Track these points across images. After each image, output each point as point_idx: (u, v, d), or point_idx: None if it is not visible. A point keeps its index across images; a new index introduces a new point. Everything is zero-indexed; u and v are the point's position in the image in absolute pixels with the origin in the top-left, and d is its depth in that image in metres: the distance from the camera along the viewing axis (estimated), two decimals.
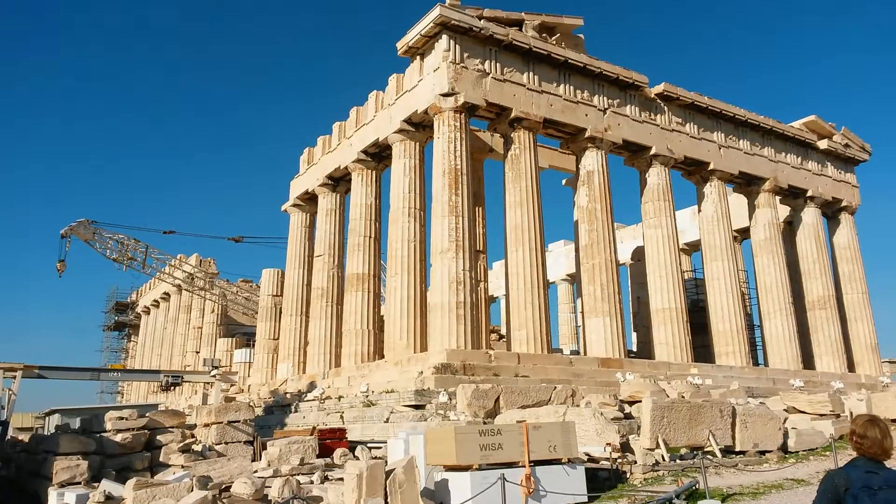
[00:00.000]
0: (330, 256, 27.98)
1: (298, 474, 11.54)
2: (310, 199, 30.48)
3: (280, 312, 31.39)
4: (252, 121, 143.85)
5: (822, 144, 31.65)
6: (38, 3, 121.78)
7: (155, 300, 51.80)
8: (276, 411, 22.98)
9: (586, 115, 24.23)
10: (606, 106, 24.86)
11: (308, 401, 21.84)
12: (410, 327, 21.70)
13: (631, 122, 25.45)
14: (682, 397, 15.92)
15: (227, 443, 14.59)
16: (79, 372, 25.40)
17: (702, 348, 27.29)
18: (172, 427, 14.65)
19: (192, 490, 9.88)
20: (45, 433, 23.58)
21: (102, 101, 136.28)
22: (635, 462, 12.37)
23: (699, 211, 28.32)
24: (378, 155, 26.05)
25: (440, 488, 9.85)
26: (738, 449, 14.13)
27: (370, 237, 25.64)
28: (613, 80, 24.96)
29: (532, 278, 21.44)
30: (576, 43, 24.86)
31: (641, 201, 26.39)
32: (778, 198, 30.23)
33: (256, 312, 37.39)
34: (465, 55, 21.81)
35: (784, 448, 14.75)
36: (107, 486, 11.04)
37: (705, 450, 13.40)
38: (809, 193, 30.79)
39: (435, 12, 21.07)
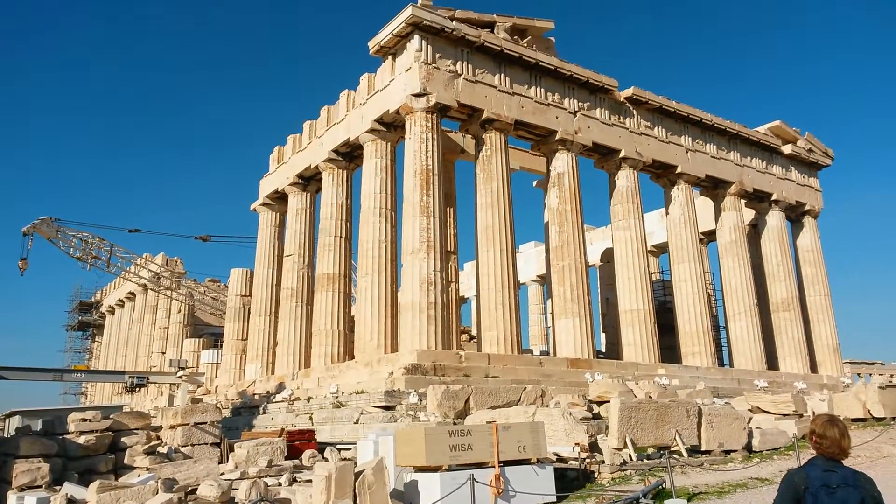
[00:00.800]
0: (300, 256, 27.75)
1: (266, 476, 11.42)
2: (280, 199, 30.21)
3: (249, 313, 31.04)
4: (221, 119, 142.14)
5: (787, 149, 32.33)
6: None
7: (120, 300, 50.87)
8: (244, 413, 22.72)
9: (557, 118, 24.41)
10: (577, 108, 25.09)
11: (277, 402, 21.64)
12: (381, 328, 21.63)
13: (601, 125, 25.71)
14: (650, 397, 16.12)
15: (193, 445, 14.39)
16: (41, 372, 24.77)
17: (669, 349, 27.67)
18: (137, 429, 14.39)
19: (157, 493, 9.73)
20: (5, 435, 22.97)
21: (67, 98, 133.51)
22: (603, 462, 12.49)
23: (667, 213, 28.72)
24: (349, 154, 25.92)
25: (409, 489, 9.85)
26: (703, 448, 14.36)
27: (341, 237, 25.50)
28: (584, 83, 25.19)
29: (503, 279, 21.54)
30: (547, 46, 25.04)
31: (611, 203, 26.68)
32: (743, 201, 30.79)
33: (224, 313, 36.92)
34: (437, 56, 21.83)
35: (749, 447, 15.03)
36: (69, 489, 10.81)
37: (672, 449, 13.59)
38: (774, 197, 31.41)
39: (407, 12, 21.04)
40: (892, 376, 46.66)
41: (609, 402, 14.52)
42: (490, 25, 23.18)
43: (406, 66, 21.84)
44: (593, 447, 13.27)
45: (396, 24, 21.51)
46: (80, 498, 10.35)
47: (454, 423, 14.45)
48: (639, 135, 26.86)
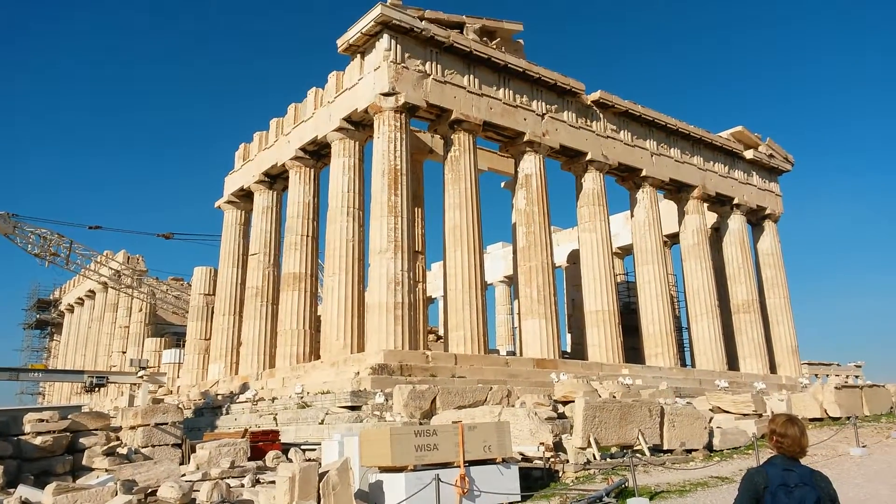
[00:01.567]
0: (265, 255, 27.44)
1: (228, 478, 11.25)
2: (245, 196, 29.82)
3: (212, 312, 30.58)
4: (186, 116, 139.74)
5: (749, 154, 33.02)
6: None
7: (79, 298, 49.71)
8: (207, 413, 22.38)
9: (525, 120, 24.55)
10: (545, 111, 25.27)
11: (240, 402, 21.35)
12: (348, 327, 21.50)
13: (568, 128, 25.93)
14: (614, 397, 16.31)
15: (154, 446, 14.12)
16: None
17: (633, 350, 28.05)
18: (96, 429, 14.06)
19: (115, 494, 9.52)
20: None
21: (27, 93, 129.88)
22: (567, 461, 12.59)
23: (632, 216, 29.10)
24: (317, 153, 25.71)
25: (374, 490, 9.79)
26: (666, 447, 14.57)
27: (308, 236, 25.27)
28: (551, 85, 25.38)
29: (470, 279, 21.58)
30: (515, 48, 25.17)
31: (577, 205, 26.94)
32: (706, 205, 31.35)
33: (187, 312, 36.32)
34: (407, 55, 21.78)
35: (709, 447, 15.30)
36: (23, 491, 10.51)
37: (635, 448, 13.76)
38: (736, 201, 32.05)
39: (376, 11, 20.95)
40: (847, 377, 47.96)
41: (574, 401, 14.65)
42: (459, 26, 23.21)
43: (375, 64, 21.75)
44: (558, 446, 13.37)
45: (365, 22, 21.41)
46: (35, 501, 10.07)
47: (420, 424, 14.43)
48: (605, 138, 27.16)
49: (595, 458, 12.89)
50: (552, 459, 12.39)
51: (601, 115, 27.29)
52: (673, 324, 28.15)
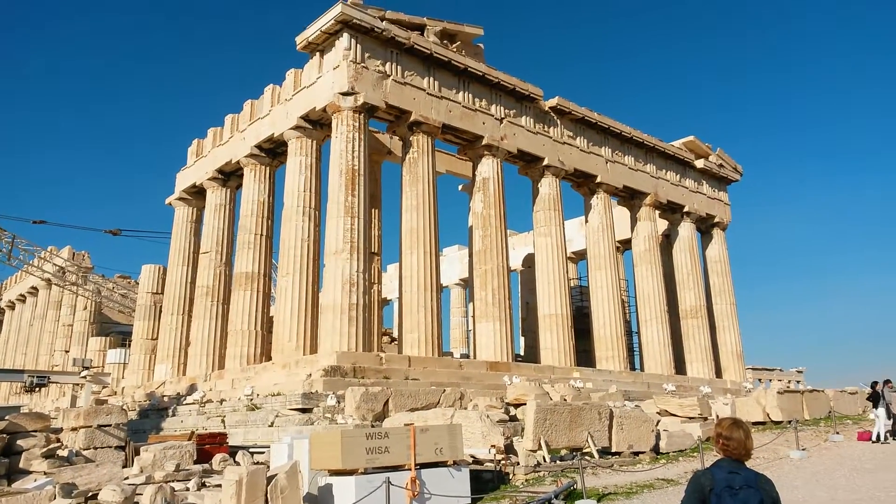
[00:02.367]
0: (217, 253, 26.90)
1: (173, 481, 10.98)
2: (197, 193, 29.19)
3: (160, 311, 29.83)
4: (137, 111, 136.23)
5: (699, 164, 33.85)
6: None
7: (21, 295, 47.96)
8: (153, 415, 21.81)
9: (484, 124, 24.67)
10: (503, 115, 25.43)
11: (187, 404, 20.87)
12: (301, 329, 21.23)
13: (526, 133, 26.16)
14: (564, 400, 16.49)
15: (96, 448, 13.67)
16: None
17: (585, 353, 28.43)
18: (36, 431, 13.53)
19: (54, 498, 9.19)
20: None
21: None
22: (518, 463, 12.68)
23: (586, 221, 29.50)
24: (273, 151, 25.34)
25: (324, 493, 9.68)
26: (614, 450, 14.79)
27: (261, 235, 24.88)
28: (510, 90, 25.57)
29: (426, 282, 21.55)
30: (476, 52, 25.28)
31: (533, 210, 27.18)
32: (657, 212, 32.00)
33: (134, 310, 35.36)
34: (366, 55, 21.65)
35: (656, 449, 15.60)
36: None
37: (584, 451, 13.93)
38: (686, 209, 32.80)
39: (336, 9, 20.78)
40: (789, 382, 49.63)
41: (526, 404, 14.76)
42: (420, 28, 23.19)
43: (334, 63, 21.56)
44: (509, 449, 13.45)
45: (325, 20, 21.21)
46: None
47: (372, 426, 14.33)
48: (562, 144, 27.49)
49: (545, 461, 13.00)
50: (503, 462, 12.45)
51: (558, 122, 27.61)
52: (624, 328, 28.63)
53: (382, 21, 21.80)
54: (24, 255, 38.44)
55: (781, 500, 3.91)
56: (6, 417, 13.61)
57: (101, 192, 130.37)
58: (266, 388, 18.95)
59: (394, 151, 26.96)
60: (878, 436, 17.50)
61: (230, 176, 27.56)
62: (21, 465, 12.76)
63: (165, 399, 23.08)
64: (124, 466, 13.26)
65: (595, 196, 29.08)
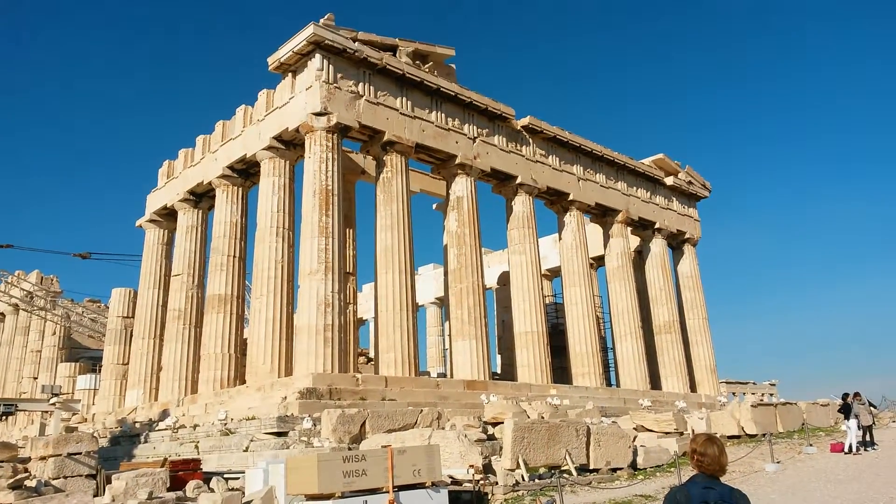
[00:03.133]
0: (189, 276, 26.57)
1: None
2: (168, 215, 28.88)
3: (131, 335, 29.31)
4: (106, 132, 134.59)
5: (669, 181, 34.39)
6: None
7: None
8: (124, 442, 21.35)
9: (457, 143, 24.83)
10: (476, 135, 25.64)
11: (160, 430, 20.47)
12: (275, 351, 21.01)
13: (499, 152, 26.38)
14: (542, 418, 16.50)
15: (66, 477, 13.32)
16: None
17: (561, 369, 28.51)
18: (2, 461, 13.16)
19: None
20: None
21: None
22: (497, 483, 12.63)
23: (560, 239, 29.74)
24: (245, 171, 25.21)
25: None
26: (592, 466, 14.81)
27: (234, 256, 24.64)
28: (483, 110, 25.81)
29: (401, 301, 21.50)
30: (448, 72, 25.51)
31: (508, 228, 27.34)
32: (629, 228, 32.40)
33: (104, 335, 34.70)
34: (339, 76, 21.72)
35: (634, 465, 15.65)
36: None
37: (562, 468, 13.92)
38: (657, 225, 33.25)
39: (308, 30, 20.85)
40: (763, 395, 50.24)
41: (503, 423, 14.74)
42: (392, 49, 23.36)
43: (307, 84, 21.59)
44: (487, 469, 13.40)
45: (297, 41, 21.26)
46: None
47: (349, 449, 14.19)
48: (534, 162, 27.76)
49: (524, 480, 12.97)
50: (481, 482, 12.39)
51: (531, 140, 27.90)
52: (599, 344, 28.80)
53: (355, 42, 21.92)
54: None
55: None
56: None
57: (70, 215, 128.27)
58: (240, 412, 18.68)
59: (367, 171, 26.99)
60: (850, 447, 17.76)
61: (202, 197, 27.33)
62: None
63: (137, 425, 22.62)
64: (95, 495, 12.95)
65: (568, 213, 29.36)
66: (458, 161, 24.71)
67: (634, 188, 32.62)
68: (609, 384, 30.86)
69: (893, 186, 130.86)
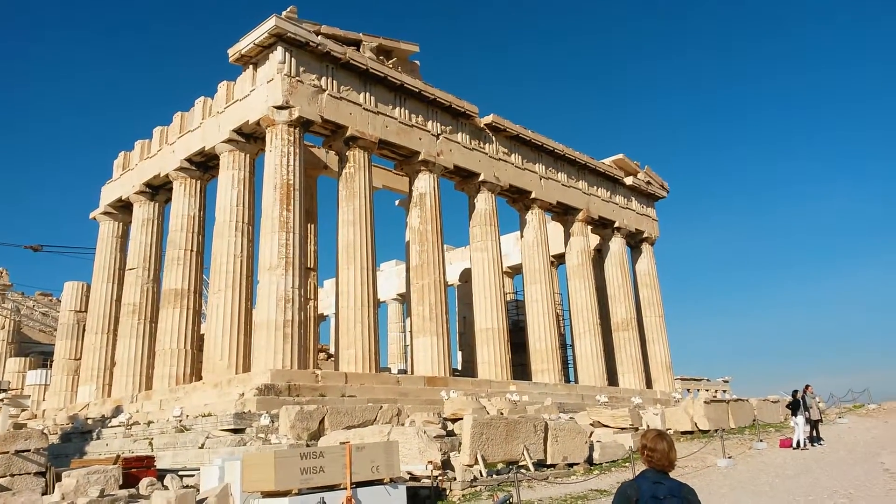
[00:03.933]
0: (144, 270, 26.02)
1: None
2: (123, 208, 28.23)
3: (84, 330, 28.60)
4: (61, 122, 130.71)
5: (628, 181, 34.92)
6: None
7: None
8: (76, 439, 20.83)
9: (420, 139, 24.81)
10: (440, 132, 25.64)
11: (113, 427, 20.03)
12: (233, 347, 20.73)
13: (462, 149, 26.43)
14: (501, 414, 16.64)
15: (13, 475, 12.96)
16: None
17: (520, 366, 28.74)
18: None
19: None
20: None
21: None
22: (455, 478, 12.69)
23: (521, 236, 29.97)
24: (204, 164, 24.77)
25: None
26: (549, 462, 15.00)
27: (192, 251, 24.20)
28: (446, 107, 25.82)
29: (362, 297, 21.41)
30: (412, 68, 25.44)
31: (470, 225, 27.43)
32: (590, 227, 32.81)
33: (55, 329, 33.77)
34: (301, 69, 21.49)
35: (590, 460, 15.90)
36: None
37: (520, 464, 14.07)
38: (616, 224, 33.74)
39: (270, 22, 20.57)
40: (716, 392, 51.42)
41: (463, 419, 14.82)
42: (356, 44, 23.20)
43: (268, 76, 21.31)
44: (446, 464, 13.46)
45: (259, 33, 20.96)
46: None
47: (307, 445, 14.10)
48: (497, 160, 27.90)
49: (482, 475, 13.07)
50: (440, 478, 12.45)
51: (494, 138, 28.02)
52: (558, 341, 29.12)
53: (318, 35, 21.71)
54: None
55: None
56: None
57: (21, 207, 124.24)
58: (196, 408, 18.39)
59: (330, 166, 26.78)
60: (799, 442, 18.32)
61: (159, 190, 26.78)
62: None
63: (89, 422, 22.09)
64: (44, 494, 12.63)
65: (530, 212, 29.58)
66: (421, 157, 24.69)
67: (595, 187, 33.03)
68: (568, 380, 31.24)
69: (850, 190, 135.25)
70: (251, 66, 22.12)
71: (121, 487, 12.08)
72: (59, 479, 12.82)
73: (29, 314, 41.45)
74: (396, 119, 24.11)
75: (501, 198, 28.98)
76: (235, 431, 15.71)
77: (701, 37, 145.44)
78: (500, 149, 28.20)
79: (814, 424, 19.41)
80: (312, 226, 25.08)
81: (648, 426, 19.05)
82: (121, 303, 26.60)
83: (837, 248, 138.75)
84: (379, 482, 10.20)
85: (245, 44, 21.45)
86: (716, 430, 18.51)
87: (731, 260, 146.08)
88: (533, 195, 29.24)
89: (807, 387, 19.93)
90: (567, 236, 31.82)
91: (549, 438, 15.20)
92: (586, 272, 31.06)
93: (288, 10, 20.92)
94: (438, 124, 25.70)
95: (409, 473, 12.36)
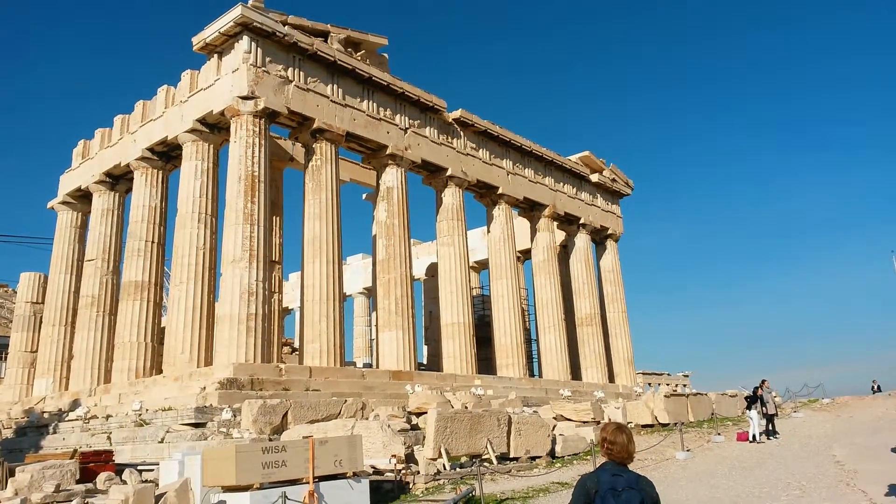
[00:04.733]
0: (104, 261, 25.47)
1: (53, 503, 10.30)
2: (83, 198, 27.58)
3: (40, 322, 27.91)
4: (18, 110, 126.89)
5: (594, 178, 35.30)
6: None
7: None
8: (31, 433, 20.34)
9: (388, 133, 24.71)
10: (408, 126, 25.57)
11: (70, 421, 19.61)
12: (195, 340, 20.43)
13: (430, 144, 26.41)
14: (465, 408, 16.72)
15: None
16: None
17: (486, 360, 28.91)
18: None
19: None
20: None
21: None
22: (419, 472, 12.72)
23: (488, 232, 30.09)
24: (166, 154, 24.32)
25: None
26: (512, 455, 15.13)
27: (153, 242, 23.76)
28: (415, 101, 25.75)
29: (328, 291, 21.28)
30: (380, 61, 25.31)
31: (437, 219, 27.44)
32: (556, 223, 33.09)
33: (11, 321, 32.88)
34: (268, 60, 21.21)
35: (552, 453, 16.07)
36: None
37: (483, 457, 14.17)
38: (582, 221, 34.08)
39: (236, 11, 20.26)
40: (677, 386, 52.33)
41: (427, 413, 14.86)
42: (324, 35, 22.98)
43: (234, 66, 20.99)
44: (410, 458, 13.49)
45: (224, 22, 20.62)
46: None
47: (269, 440, 13.99)
48: (465, 155, 27.94)
49: (445, 469, 13.12)
50: (403, 471, 12.47)
51: (462, 133, 28.05)
52: (523, 336, 29.34)
53: (285, 26, 21.45)
54: None
55: (670, 499, 4.12)
56: None
57: None
58: (156, 402, 18.09)
59: (296, 158, 26.52)
60: (754, 436, 18.78)
61: (119, 179, 26.22)
62: None
63: (46, 415, 21.58)
64: None
65: (497, 207, 29.71)
66: (388, 151, 24.59)
67: (561, 184, 33.30)
68: (532, 375, 31.50)
69: (811, 187, 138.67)
70: (216, 56, 21.76)
71: (77, 482, 11.85)
72: (12, 473, 12.52)
73: None
74: (364, 112, 23.98)
75: (469, 193, 29.05)
76: (196, 426, 15.51)
77: (667, 34, 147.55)
78: (468, 144, 28.24)
79: (770, 418, 19.92)
80: (278, 218, 24.83)
81: (610, 420, 19.34)
82: (79, 294, 26.04)
83: (798, 246, 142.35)
84: (342, 476, 10.17)
85: (210, 32, 21.09)
86: (675, 424, 18.86)
87: (693, 256, 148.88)
88: (500, 190, 29.36)
89: (763, 382, 20.44)
90: (533, 232, 32.04)
91: (513, 432, 15.32)
92: (552, 268, 31.33)
93: None
94: (407, 118, 25.63)
95: (373, 467, 12.35)
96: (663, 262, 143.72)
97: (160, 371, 21.79)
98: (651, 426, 21.25)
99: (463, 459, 13.88)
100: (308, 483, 9.58)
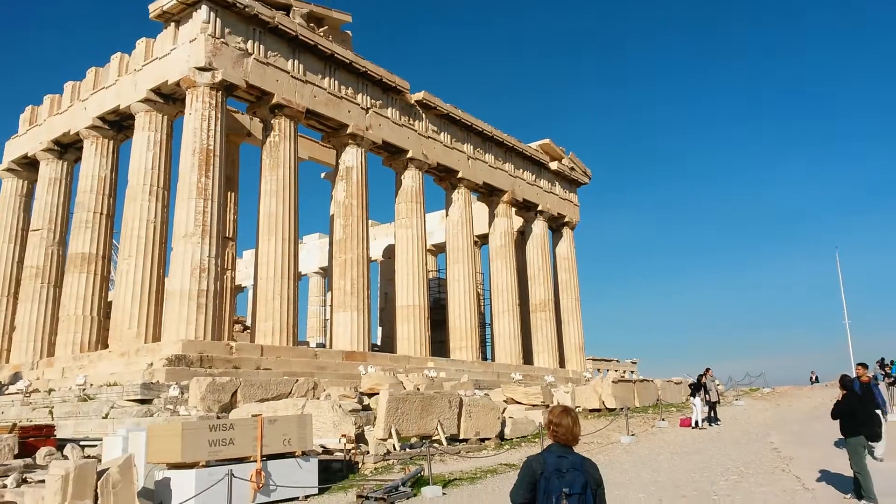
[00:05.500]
0: (50, 232, 24.68)
1: None
2: (29, 165, 26.61)
3: None
4: None
5: (553, 166, 35.58)
6: None
7: None
8: None
9: (349, 112, 24.43)
10: (369, 105, 25.31)
11: (10, 394, 19.04)
12: (143, 315, 20.00)
13: (391, 125, 26.21)
14: (418, 389, 16.79)
15: None
16: None
17: (440, 343, 29.06)
18: None
19: None
20: None
21: None
22: (368, 452, 12.76)
23: (447, 215, 30.11)
24: (118, 124, 23.59)
25: (161, 488, 9.24)
26: (462, 437, 15.30)
27: (102, 214, 23.10)
28: (377, 81, 25.49)
29: (283, 269, 21.05)
30: (343, 39, 24.95)
31: (396, 201, 27.33)
32: (514, 209, 33.28)
33: None
34: (227, 31, 20.70)
35: (502, 435, 16.30)
36: None
37: (434, 438, 14.28)
38: (540, 208, 34.37)
39: None
40: (625, 372, 53.50)
41: (379, 393, 14.89)
42: (286, 8, 22.52)
43: (191, 36, 20.41)
44: (360, 438, 13.51)
45: None
46: None
47: (217, 418, 13.83)
48: (426, 138, 27.83)
49: (395, 449, 13.19)
50: (353, 451, 12.49)
51: (424, 116, 27.91)
52: (478, 320, 29.57)
53: None
54: None
55: (613, 481, 4.23)
56: None
57: None
58: (102, 377, 17.69)
59: (254, 133, 26.03)
60: (696, 423, 19.36)
61: (68, 148, 25.36)
62: None
63: None
64: None
65: (456, 191, 29.73)
66: (349, 131, 24.33)
67: (521, 170, 33.47)
68: (485, 358, 31.81)
69: (764, 179, 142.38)
70: (173, 24, 21.12)
71: (16, 457, 11.55)
72: None
73: None
74: (325, 90, 23.64)
75: (429, 175, 28.98)
76: (142, 402, 15.23)
77: (631, 25, 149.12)
78: (429, 126, 28.13)
79: (712, 406, 20.55)
80: (232, 194, 24.39)
81: (558, 403, 19.67)
82: (23, 265, 25.21)
83: (747, 239, 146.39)
84: (290, 455, 10.14)
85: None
86: (622, 409, 19.31)
87: (644, 246, 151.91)
88: (460, 174, 29.37)
89: (707, 370, 21.05)
90: (491, 217, 32.18)
91: (464, 414, 15.48)
92: (508, 253, 31.57)
93: None
94: (368, 98, 25.36)
95: (323, 447, 12.33)
96: (615, 252, 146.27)
97: (106, 346, 21.30)
98: (598, 411, 21.70)
99: (413, 440, 13.97)
100: (255, 461, 9.53)
